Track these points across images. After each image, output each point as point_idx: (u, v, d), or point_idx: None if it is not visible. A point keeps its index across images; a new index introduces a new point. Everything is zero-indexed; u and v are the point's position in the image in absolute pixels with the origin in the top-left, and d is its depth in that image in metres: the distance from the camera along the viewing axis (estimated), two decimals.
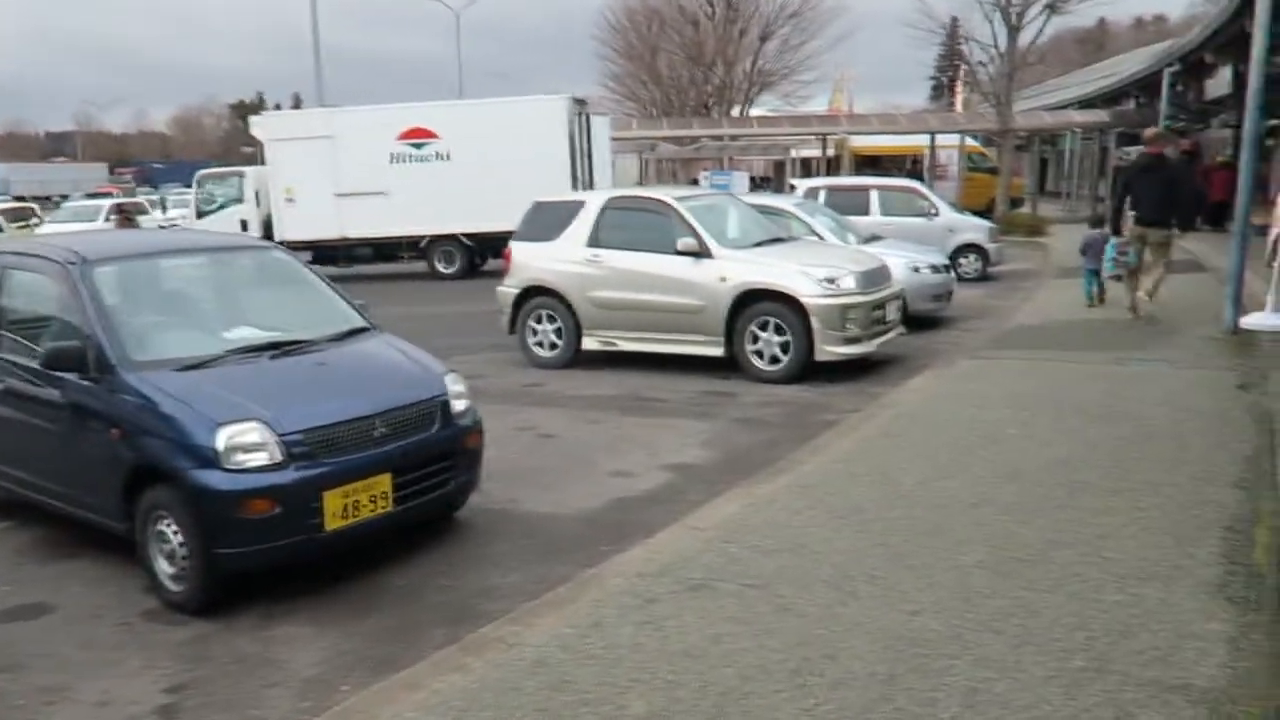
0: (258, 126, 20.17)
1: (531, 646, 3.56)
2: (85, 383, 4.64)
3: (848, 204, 15.26)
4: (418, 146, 19.01)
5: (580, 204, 10.04)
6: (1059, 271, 15.73)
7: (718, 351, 9.08)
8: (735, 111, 38.04)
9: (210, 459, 4.21)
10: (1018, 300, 13.17)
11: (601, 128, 20.07)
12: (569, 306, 9.82)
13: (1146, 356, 8.67)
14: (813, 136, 31.20)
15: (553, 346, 10.00)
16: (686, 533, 4.73)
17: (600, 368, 9.79)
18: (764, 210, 11.16)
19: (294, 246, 19.50)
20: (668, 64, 37.49)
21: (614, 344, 9.70)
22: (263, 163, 19.82)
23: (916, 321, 10.96)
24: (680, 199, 9.64)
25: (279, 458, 4.30)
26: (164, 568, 4.44)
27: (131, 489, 4.48)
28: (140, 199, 34.50)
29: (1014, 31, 23.64)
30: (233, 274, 5.80)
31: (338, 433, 4.49)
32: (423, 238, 19.32)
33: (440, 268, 19.49)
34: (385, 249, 19.68)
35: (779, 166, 32.80)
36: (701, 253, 9.08)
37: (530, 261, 10.14)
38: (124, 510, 4.55)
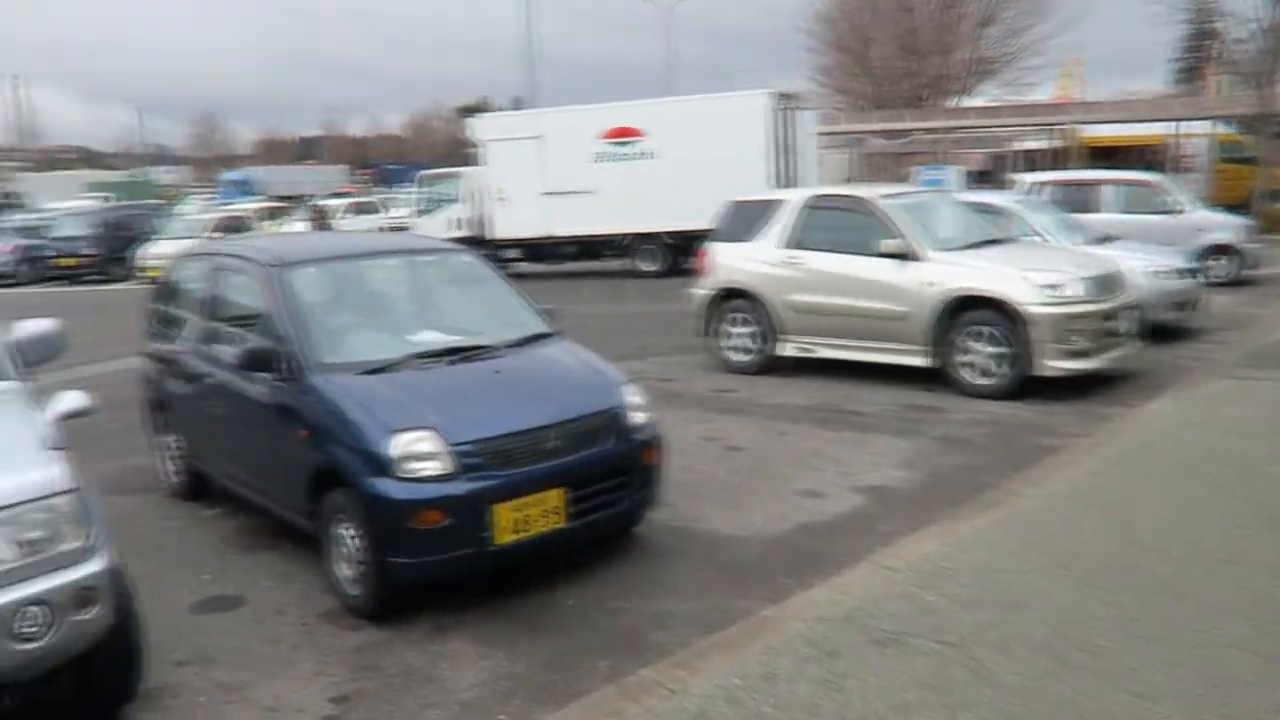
0: (474, 128, 21.00)
1: (695, 696, 3.26)
2: (279, 383, 4.76)
3: (1077, 200, 13.97)
4: (621, 145, 19.14)
5: (779, 203, 9.63)
6: None
7: (923, 362, 8.42)
8: (953, 103, 36.09)
9: (383, 466, 4.18)
10: (1276, 310, 11.56)
11: (808, 123, 19.45)
12: (765, 309, 9.44)
13: None
14: (1037, 127, 29.00)
15: (747, 351, 9.65)
16: (877, 572, 4.27)
17: (795, 375, 9.36)
18: (980, 209, 10.34)
19: (504, 245, 20.32)
20: (880, 54, 36.00)
21: (811, 350, 9.23)
22: (478, 164, 20.59)
23: (1156, 332, 9.80)
24: (885, 197, 9.03)
25: (450, 468, 4.21)
26: (343, 571, 4.47)
27: (316, 490, 4.54)
28: (373, 198, 37.00)
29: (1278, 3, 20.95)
30: (421, 277, 5.84)
31: (510, 444, 4.36)
32: (625, 236, 19.45)
33: (642, 266, 19.56)
34: (590, 247, 19.97)
35: (998, 161, 30.69)
36: (907, 255, 8.45)
37: (726, 262, 9.84)
38: (310, 510, 4.63)
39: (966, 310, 8.15)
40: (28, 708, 3.30)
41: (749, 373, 9.56)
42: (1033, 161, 29.71)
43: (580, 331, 12.02)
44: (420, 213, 21.09)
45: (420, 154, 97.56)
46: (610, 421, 4.75)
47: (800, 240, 9.26)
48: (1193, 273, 10.76)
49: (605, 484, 4.67)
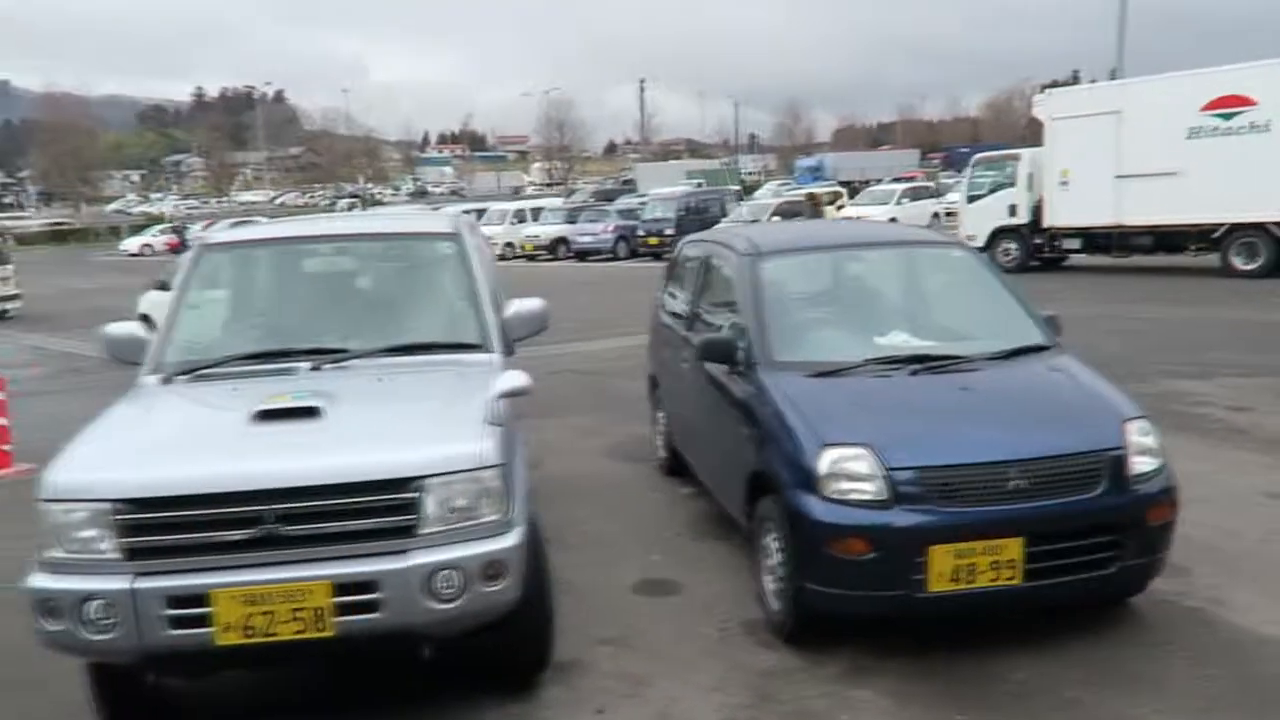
0: (1040, 106, 19.18)
1: None
2: (735, 376, 4.62)
3: None
4: (1226, 118, 15.99)
5: None
6: None
7: None
8: None
9: (810, 482, 3.79)
10: None
11: None
12: None
13: None
14: None
15: None
16: None
17: None
18: None
19: (1063, 233, 18.38)
20: None
21: None
22: (1041, 144, 18.81)
23: None
24: None
25: (884, 494, 3.68)
26: (767, 583, 4.21)
27: (752, 493, 4.33)
28: (930, 183, 36.27)
29: None
30: (904, 272, 5.28)
31: (959, 476, 3.69)
32: (1219, 226, 16.28)
33: (1237, 263, 16.23)
34: (1169, 238, 17.12)
35: None
36: None
37: None
38: (747, 512, 4.44)
39: None
40: (457, 666, 3.58)
41: None
42: None
43: (1127, 336, 10.41)
44: (971, 198, 19.91)
45: (997, 136, 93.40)
46: (1101, 465, 3.79)
47: None
48: None
49: (1085, 541, 3.75)
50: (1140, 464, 3.87)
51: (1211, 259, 16.61)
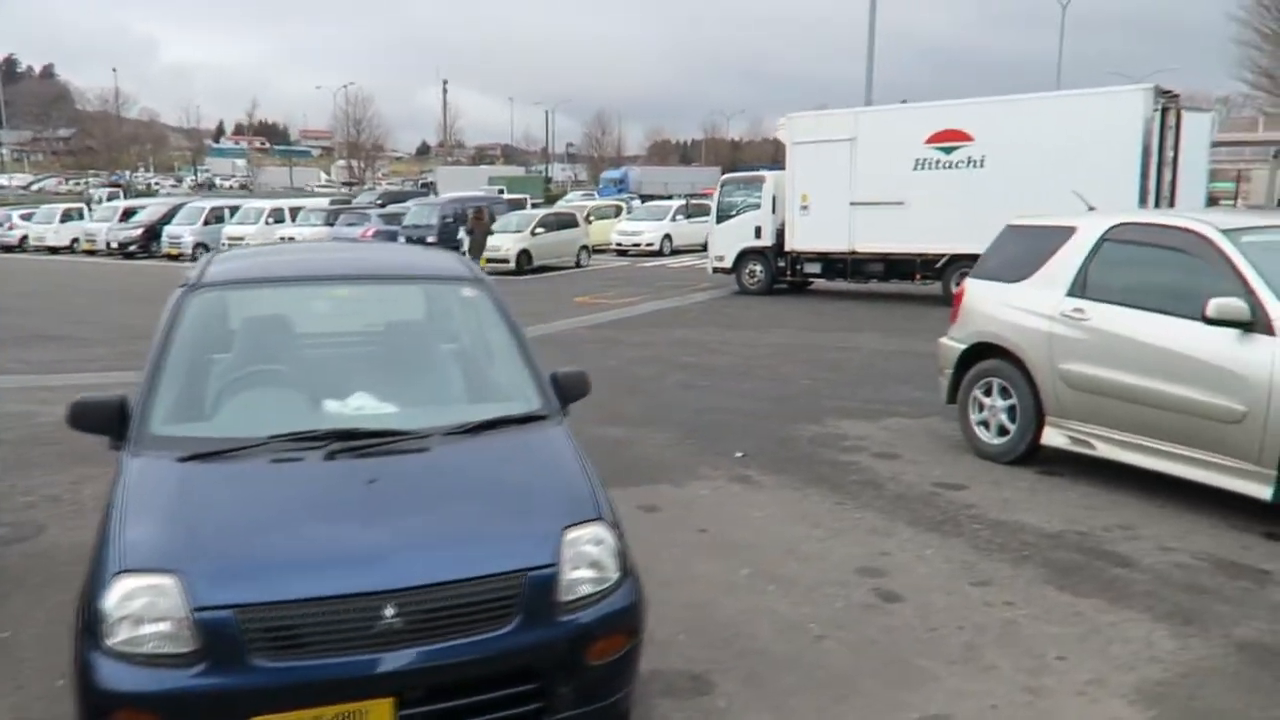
0: (783, 129, 19.11)
1: None
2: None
3: None
4: (947, 151, 16.28)
5: (1068, 231, 6.81)
6: None
7: (1263, 493, 5.35)
8: None
9: (95, 624, 2.64)
10: None
11: (1198, 129, 15.23)
12: (1030, 379, 6.74)
13: None
14: None
15: (1001, 431, 6.99)
16: None
17: (1061, 473, 6.59)
18: None
19: (804, 257, 18.29)
20: None
21: (1090, 445, 6.39)
22: (786, 167, 18.71)
23: None
24: (1233, 231, 5.95)
25: (188, 645, 2.58)
26: None
27: None
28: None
29: None
30: (392, 315, 4.24)
31: (302, 615, 2.63)
32: (941, 256, 16.57)
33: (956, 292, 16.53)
34: (899, 266, 17.31)
35: None
36: (1254, 325, 5.42)
37: (986, 308, 7.24)
38: None
39: None
40: None
41: (1001, 460, 6.91)
42: None
43: (825, 369, 9.89)
44: (720, 219, 19.62)
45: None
46: (516, 591, 2.83)
47: (1090, 286, 6.46)
48: None
49: (489, 695, 2.78)
50: (579, 585, 2.94)
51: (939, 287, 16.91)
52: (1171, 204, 14.38)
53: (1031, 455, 6.78)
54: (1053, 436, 6.61)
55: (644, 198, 44.92)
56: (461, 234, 24.66)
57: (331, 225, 28.62)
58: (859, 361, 11.33)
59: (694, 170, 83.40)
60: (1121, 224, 6.49)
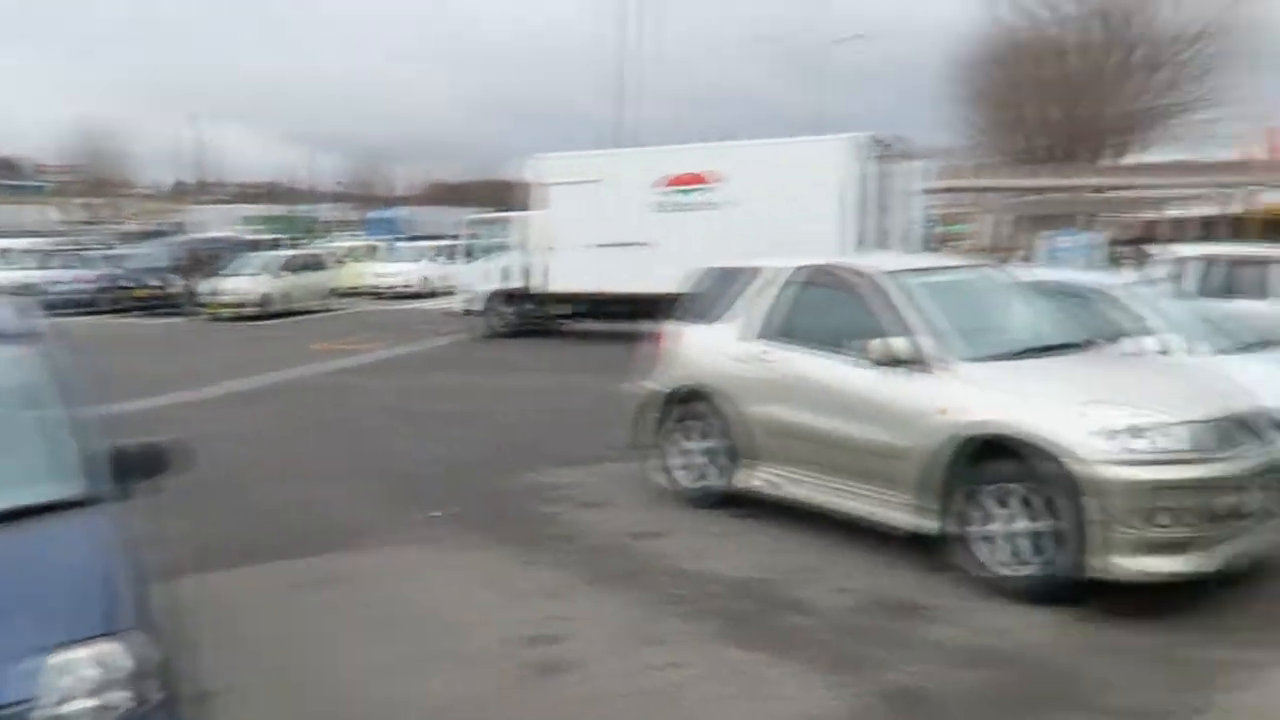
0: (531, 170, 19.00)
1: None
2: None
3: (1238, 283, 10.55)
4: (686, 193, 16.69)
5: (755, 273, 6.91)
6: None
7: (920, 524, 5.49)
8: (1117, 159, 31.77)
9: None
10: None
11: (909, 176, 16.42)
12: (726, 422, 6.71)
13: None
14: (1199, 190, 24.57)
15: (701, 475, 6.92)
16: None
17: (762, 517, 6.56)
18: (1065, 293, 7.29)
19: (553, 299, 18.14)
20: (1033, 104, 32.13)
21: (779, 487, 6.41)
22: (532, 208, 18.55)
23: None
24: (900, 273, 6.18)
25: None
26: None
27: None
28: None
29: None
30: None
31: None
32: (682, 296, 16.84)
33: (657, 334, 16.87)
34: (645, 307, 17.46)
35: (1149, 227, 26.24)
36: (913, 361, 5.59)
37: (685, 351, 7.21)
38: None
39: (993, 457, 5.20)
40: None
41: (702, 505, 6.83)
42: (1206, 231, 25.34)
43: (555, 415, 9.38)
44: (469, 259, 19.20)
45: None
46: None
47: (775, 329, 6.53)
48: None
49: None
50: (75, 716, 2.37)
51: None
52: (885, 246, 15.34)
53: (732, 499, 6.74)
54: (748, 479, 6.60)
55: (415, 238, 43.76)
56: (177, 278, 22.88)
57: (48, 269, 25.75)
58: (591, 405, 11.16)
59: (467, 211, 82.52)
60: (802, 267, 6.62)
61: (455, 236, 38.91)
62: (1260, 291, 10.37)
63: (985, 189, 28.52)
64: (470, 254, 19.23)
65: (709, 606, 5.08)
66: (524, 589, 5.36)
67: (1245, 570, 5.10)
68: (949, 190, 23.75)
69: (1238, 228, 23.37)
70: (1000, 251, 26.60)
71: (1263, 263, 10.96)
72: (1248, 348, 7.29)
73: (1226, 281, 10.67)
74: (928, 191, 19.08)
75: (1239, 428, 5.12)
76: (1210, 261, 11.13)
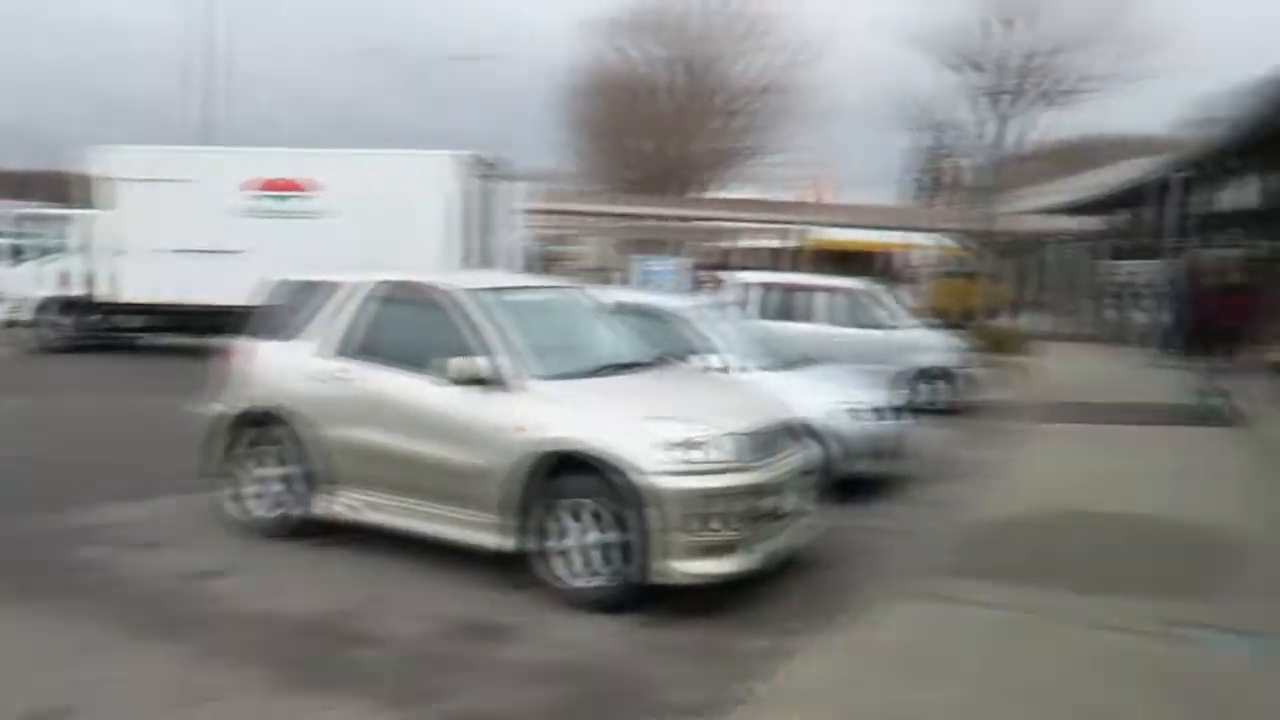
0: (99, 162, 16.69)
1: None
2: None
3: (789, 307, 11.97)
4: (281, 200, 15.64)
5: (334, 288, 6.55)
6: (1054, 411, 12.30)
7: (501, 543, 5.50)
8: (703, 191, 35.15)
9: None
10: (998, 454, 9.68)
11: (510, 196, 16.75)
12: (302, 445, 6.26)
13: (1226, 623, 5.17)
14: (767, 225, 28.04)
15: (277, 504, 6.39)
16: None
17: (341, 544, 6.18)
18: (643, 314, 7.77)
19: (125, 309, 16.11)
20: (633, 137, 34.59)
21: (359, 512, 6.10)
22: (99, 206, 16.32)
23: (849, 487, 7.47)
24: (478, 290, 6.17)
25: None
26: None
27: None
28: None
29: (1004, 121, 20.85)
30: None
31: None
32: None
33: (225, 350, 15.83)
34: (234, 320, 16.06)
35: (727, 255, 29.55)
36: (491, 380, 5.59)
37: (259, 369, 6.64)
38: None
39: (566, 472, 5.34)
40: None
41: (278, 535, 6.31)
42: (774, 261, 28.78)
43: (118, 441, 8.00)
44: (15, 261, 16.48)
45: None
46: None
47: (355, 346, 6.22)
48: (896, 411, 8.57)
49: None
50: None
51: None
52: (488, 264, 15.49)
53: (311, 528, 6.29)
54: (328, 506, 6.21)
55: None
56: None
57: None
58: (158, 430, 9.96)
59: (27, 206, 71.33)
60: (383, 282, 6.39)
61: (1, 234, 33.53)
62: (807, 315, 11.88)
63: (588, 213, 30.10)
64: (18, 255, 16.46)
65: (269, 652, 4.64)
66: (44, 652, 4.54)
67: (782, 565, 5.71)
68: (555, 213, 24.70)
69: (796, 259, 26.93)
70: (605, 272, 28.21)
71: (810, 290, 12.60)
72: (790, 365, 8.28)
73: (782, 306, 12.10)
74: (533, 213, 19.70)
75: (778, 436, 5.73)
76: (768, 288, 12.57)
